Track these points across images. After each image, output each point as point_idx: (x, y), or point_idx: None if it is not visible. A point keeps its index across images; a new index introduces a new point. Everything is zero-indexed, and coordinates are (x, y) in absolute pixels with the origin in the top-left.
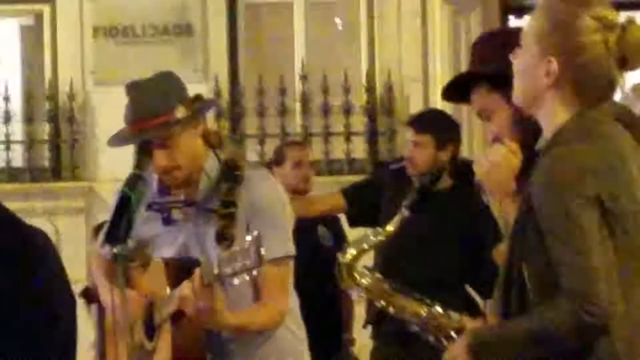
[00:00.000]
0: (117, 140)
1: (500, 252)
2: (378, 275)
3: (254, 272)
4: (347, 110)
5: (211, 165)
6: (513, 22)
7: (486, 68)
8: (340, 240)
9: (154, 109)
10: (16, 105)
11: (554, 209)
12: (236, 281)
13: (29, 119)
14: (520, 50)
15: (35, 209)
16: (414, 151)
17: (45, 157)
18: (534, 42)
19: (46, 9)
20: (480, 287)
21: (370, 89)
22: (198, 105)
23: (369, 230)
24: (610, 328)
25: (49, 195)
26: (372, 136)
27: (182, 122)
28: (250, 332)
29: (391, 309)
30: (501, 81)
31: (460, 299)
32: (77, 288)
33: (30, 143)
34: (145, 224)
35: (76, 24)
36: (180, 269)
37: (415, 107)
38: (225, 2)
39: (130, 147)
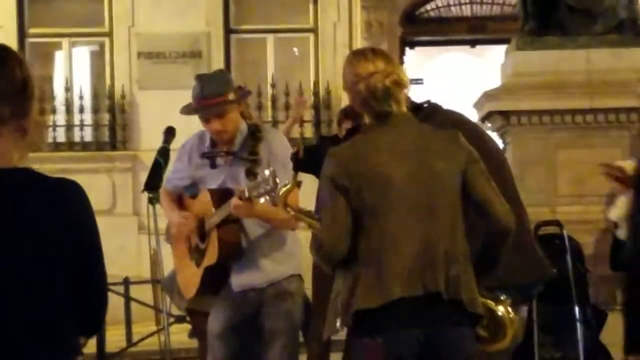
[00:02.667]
0: (187, 110)
1: None
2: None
3: (272, 194)
4: None
5: (243, 129)
6: (408, 52)
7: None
8: None
9: (215, 92)
10: (87, 102)
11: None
12: (262, 200)
13: (95, 110)
14: None
15: (99, 169)
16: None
17: (106, 135)
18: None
19: (107, 40)
20: None
21: (316, 92)
22: (240, 92)
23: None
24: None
25: (108, 159)
26: (317, 123)
27: (232, 102)
28: (273, 221)
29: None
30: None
31: None
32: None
33: (96, 126)
34: (199, 169)
35: (126, 50)
36: (220, 195)
37: (344, 105)
38: (223, 37)
39: (161, 129)
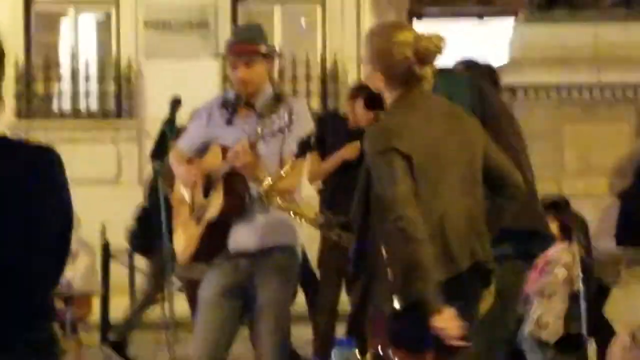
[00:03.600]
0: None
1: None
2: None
3: (286, 131)
4: (308, 78)
5: (268, 91)
6: (415, 22)
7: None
8: None
9: (246, 39)
10: (93, 71)
11: (369, 157)
12: (273, 139)
13: (101, 79)
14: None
15: (104, 138)
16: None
17: (111, 104)
18: (367, 62)
19: (113, 9)
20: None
21: (323, 64)
22: (272, 49)
23: None
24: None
25: (114, 128)
26: (324, 95)
27: (261, 54)
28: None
29: (297, 218)
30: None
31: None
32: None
33: (102, 95)
34: (216, 127)
35: (132, 19)
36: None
37: (351, 77)
38: (230, 8)
39: (167, 99)
